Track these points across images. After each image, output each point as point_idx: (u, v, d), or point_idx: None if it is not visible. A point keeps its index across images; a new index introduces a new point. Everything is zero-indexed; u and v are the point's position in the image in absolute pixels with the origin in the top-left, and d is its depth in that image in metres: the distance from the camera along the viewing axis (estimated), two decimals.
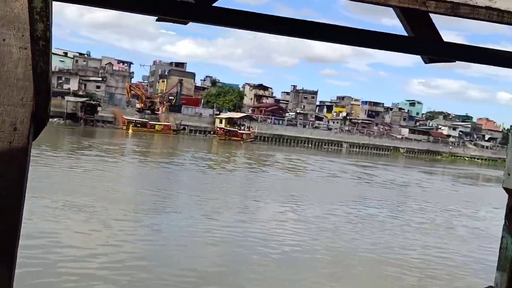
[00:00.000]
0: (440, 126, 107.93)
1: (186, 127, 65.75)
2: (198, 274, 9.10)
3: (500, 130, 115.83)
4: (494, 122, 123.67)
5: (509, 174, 3.00)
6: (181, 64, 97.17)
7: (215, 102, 79.61)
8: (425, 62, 3.43)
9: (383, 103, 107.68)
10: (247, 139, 64.70)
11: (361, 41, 3.19)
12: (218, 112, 74.06)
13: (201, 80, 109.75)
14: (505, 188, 3.06)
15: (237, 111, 76.88)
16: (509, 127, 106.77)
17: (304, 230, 13.77)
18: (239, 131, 65.12)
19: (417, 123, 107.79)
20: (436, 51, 3.19)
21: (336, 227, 14.67)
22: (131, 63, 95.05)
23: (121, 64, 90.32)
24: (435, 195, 27.40)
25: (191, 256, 10.11)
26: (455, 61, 3.37)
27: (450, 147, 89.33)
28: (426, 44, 3.14)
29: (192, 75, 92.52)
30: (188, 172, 26.09)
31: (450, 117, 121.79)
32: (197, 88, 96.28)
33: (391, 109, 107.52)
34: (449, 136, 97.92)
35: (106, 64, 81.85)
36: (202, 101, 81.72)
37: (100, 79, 75.40)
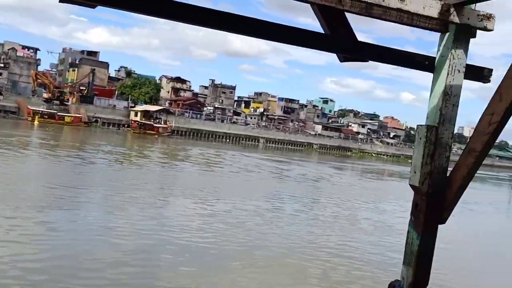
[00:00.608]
0: (350, 124, 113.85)
1: (99, 120, 62.61)
2: (94, 275, 8.63)
3: (403, 128, 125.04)
4: (398, 121, 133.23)
5: (415, 172, 3.12)
6: (93, 53, 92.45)
7: (130, 94, 76.74)
8: (340, 61, 3.48)
9: (298, 100, 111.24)
10: (163, 133, 63.20)
11: (281, 36, 3.14)
12: (133, 105, 71.50)
13: (115, 70, 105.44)
14: (411, 185, 3.19)
15: (153, 104, 74.78)
16: (412, 126, 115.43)
17: (212, 225, 13.62)
18: (155, 125, 63.34)
19: (330, 120, 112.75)
20: (351, 50, 3.24)
21: (244, 222, 14.74)
22: (37, 49, 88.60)
23: (26, 50, 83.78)
24: (344, 189, 28.81)
25: (87, 257, 9.51)
26: (368, 61, 3.46)
27: (359, 143, 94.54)
28: (341, 43, 3.17)
29: (106, 65, 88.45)
30: (96, 166, 24.73)
31: (360, 115, 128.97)
32: (111, 78, 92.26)
33: (305, 106, 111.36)
34: (358, 133, 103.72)
35: (8, 49, 75.43)
36: (116, 92, 78.40)
37: (2, 65, 69.28)
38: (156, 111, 67.92)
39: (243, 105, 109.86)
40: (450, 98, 3.04)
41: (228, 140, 72.10)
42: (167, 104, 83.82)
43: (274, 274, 10.06)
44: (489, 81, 3.41)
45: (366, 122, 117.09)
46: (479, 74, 3.35)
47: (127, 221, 13.00)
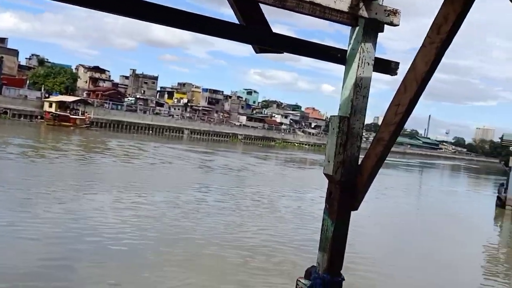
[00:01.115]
0: (274, 114, 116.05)
1: (8, 111, 58.09)
2: None
3: (324, 118, 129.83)
4: (319, 111, 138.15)
5: (329, 161, 3.22)
6: (1, 40, 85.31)
7: (44, 84, 71.87)
8: (256, 52, 3.48)
9: (222, 91, 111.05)
10: (81, 125, 60.08)
11: (197, 27, 3.06)
12: (47, 95, 67.05)
13: (26, 58, 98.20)
14: (325, 174, 3.29)
15: (70, 95, 70.63)
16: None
17: (128, 220, 13.26)
18: (71, 116, 60.00)
19: (254, 111, 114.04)
20: (265, 41, 3.25)
21: (163, 215, 14.54)
22: None
23: None
24: (266, 179, 29.38)
25: None
26: (283, 52, 3.50)
27: (283, 133, 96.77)
28: (256, 34, 3.17)
29: (15, 52, 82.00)
30: (2, 162, 22.94)
31: (283, 106, 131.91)
32: (21, 67, 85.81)
33: (230, 97, 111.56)
34: (281, 123, 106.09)
35: None
36: (28, 82, 73.06)
37: None
38: (73, 101, 64.27)
39: (166, 95, 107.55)
40: (360, 90, 3.17)
41: (151, 132, 70.30)
42: (85, 95, 79.71)
43: (193, 268, 10.00)
44: (396, 74, 3.60)
45: (289, 113, 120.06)
46: (387, 67, 3.52)
47: (38, 218, 12.23)
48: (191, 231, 12.83)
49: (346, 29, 3.24)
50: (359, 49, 3.12)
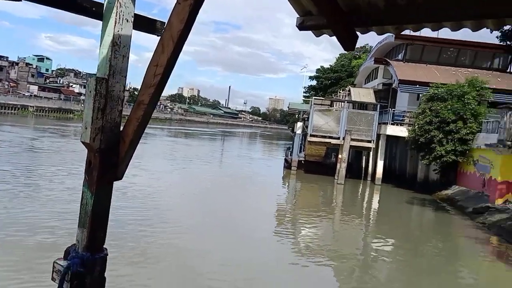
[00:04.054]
0: (71, 84, 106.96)
1: None
2: None
3: (128, 88, 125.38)
4: None
5: (86, 128, 2.89)
6: None
7: None
8: None
9: (7, 57, 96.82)
10: None
11: None
12: None
13: None
14: (82, 142, 2.95)
15: None
16: (136, 87, 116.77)
17: None
18: None
19: (47, 80, 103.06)
20: None
21: None
22: None
23: None
24: (52, 156, 27.03)
25: None
26: (21, 0, 2.96)
27: (82, 105, 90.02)
28: None
29: None
30: None
31: (81, 75, 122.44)
32: None
33: (17, 64, 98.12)
34: (80, 94, 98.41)
35: None
36: None
37: None
38: None
39: None
40: (119, 49, 2.89)
41: None
42: None
43: None
44: (161, 34, 3.42)
45: None
46: (152, 26, 3.32)
47: None
48: None
49: None
50: (116, 3, 2.82)
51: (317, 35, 3.36)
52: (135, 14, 3.04)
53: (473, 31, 2.92)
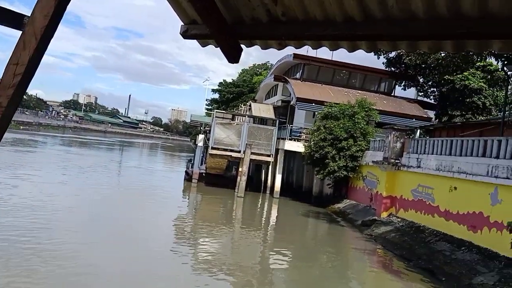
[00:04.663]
0: None
1: None
2: None
3: None
4: None
5: None
6: None
7: None
8: None
9: None
10: None
11: None
12: None
13: None
14: None
15: None
16: None
17: None
18: None
19: None
20: None
21: None
22: None
23: None
24: None
25: None
26: None
27: None
28: None
29: None
30: None
31: None
32: None
33: None
34: None
35: None
36: None
37: None
38: None
39: None
40: None
41: None
42: None
43: None
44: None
45: None
46: (18, 21, 2.97)
47: None
48: None
49: None
50: None
51: (203, 45, 3.29)
52: None
53: (349, 52, 3.05)
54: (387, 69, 35.34)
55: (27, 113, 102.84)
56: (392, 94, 35.46)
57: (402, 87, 36.48)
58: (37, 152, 43.07)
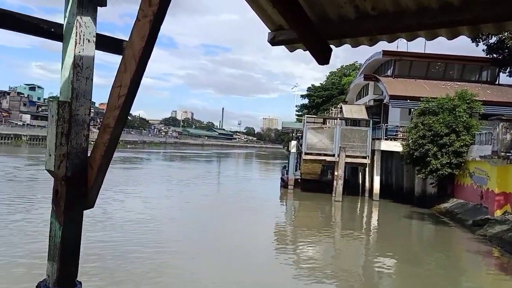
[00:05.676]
0: None
1: None
2: None
3: None
4: None
5: (50, 155, 2.75)
6: None
7: None
8: None
9: None
10: None
11: None
12: None
13: None
14: (48, 171, 2.80)
15: None
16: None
17: None
18: None
19: (40, 109, 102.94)
20: None
21: None
22: None
23: None
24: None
25: None
26: None
27: None
28: None
29: None
30: None
31: None
32: None
33: (8, 93, 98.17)
34: None
35: None
36: None
37: None
38: None
39: None
40: (82, 71, 2.77)
41: None
42: None
43: None
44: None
45: None
46: (118, 46, 3.20)
47: None
48: None
49: (53, 2, 2.79)
50: (76, 23, 2.72)
51: (291, 50, 3.26)
52: (99, 34, 2.94)
53: (448, 39, 2.82)
54: (488, 56, 32.56)
55: (132, 132, 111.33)
56: (497, 83, 32.61)
57: (507, 73, 33.33)
58: (142, 169, 46.19)
